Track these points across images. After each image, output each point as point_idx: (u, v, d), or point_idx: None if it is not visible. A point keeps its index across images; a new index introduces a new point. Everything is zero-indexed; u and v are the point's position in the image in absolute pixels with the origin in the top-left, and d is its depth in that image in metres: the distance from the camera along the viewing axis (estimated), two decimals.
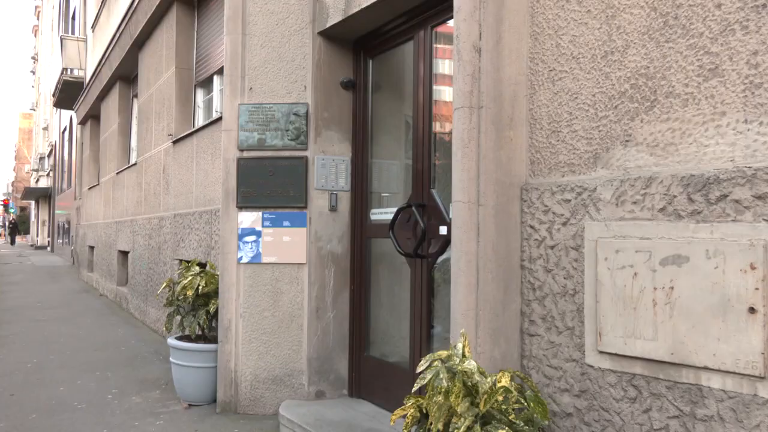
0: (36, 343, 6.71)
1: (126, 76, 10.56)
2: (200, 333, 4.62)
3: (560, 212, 2.50)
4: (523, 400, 2.25)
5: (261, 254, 4.17)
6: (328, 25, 4.04)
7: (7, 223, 48.23)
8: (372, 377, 4.04)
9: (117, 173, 10.35)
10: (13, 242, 39.11)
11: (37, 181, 36.78)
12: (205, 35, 6.64)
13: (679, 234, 2.07)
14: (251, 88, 4.23)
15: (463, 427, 2.07)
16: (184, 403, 4.44)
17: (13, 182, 69.11)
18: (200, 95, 6.91)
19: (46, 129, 32.52)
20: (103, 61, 10.97)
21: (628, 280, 2.21)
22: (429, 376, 2.22)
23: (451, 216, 2.75)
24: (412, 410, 2.33)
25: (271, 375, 4.16)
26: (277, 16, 4.23)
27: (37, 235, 36.53)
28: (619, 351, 2.24)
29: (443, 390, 2.17)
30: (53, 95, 18.51)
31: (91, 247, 13.15)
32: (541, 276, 2.58)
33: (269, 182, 4.16)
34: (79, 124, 15.71)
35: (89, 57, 14.71)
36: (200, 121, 6.78)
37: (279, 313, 4.17)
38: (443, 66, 3.53)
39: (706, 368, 1.99)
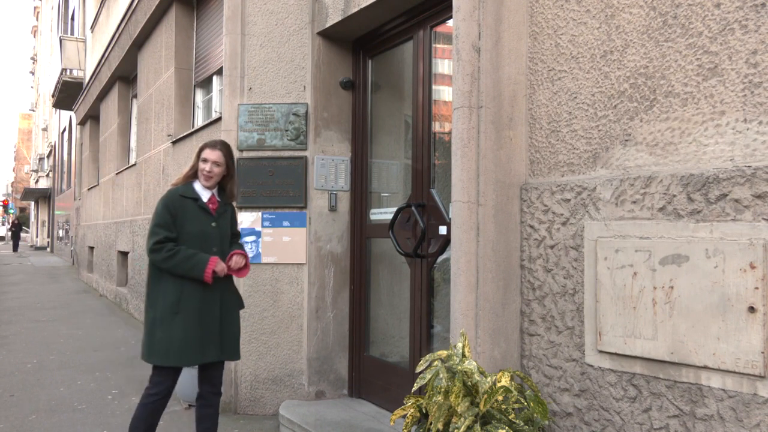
0: (36, 343, 6.71)
1: (125, 76, 10.55)
2: None
3: (560, 212, 2.50)
4: (523, 400, 2.25)
5: (261, 254, 4.17)
6: (328, 25, 4.04)
7: (8, 225, 41.53)
8: (372, 377, 4.04)
9: (116, 174, 10.35)
10: (16, 247, 30.80)
11: (37, 181, 36.75)
12: (205, 35, 6.64)
13: (679, 233, 2.07)
14: (251, 89, 4.23)
15: (463, 427, 2.07)
16: (184, 403, 4.44)
17: (12, 183, 69.11)
18: (199, 95, 6.91)
19: (45, 130, 32.49)
20: (103, 61, 10.97)
21: (627, 279, 2.21)
22: (429, 376, 2.22)
23: (450, 216, 2.75)
24: (412, 410, 2.33)
25: (271, 375, 4.16)
26: (276, 16, 4.23)
27: (37, 236, 36.45)
28: (619, 350, 2.24)
29: (443, 390, 2.17)
30: (53, 96, 18.50)
31: (91, 248, 13.14)
32: (540, 276, 2.58)
33: (269, 182, 4.16)
34: (79, 124, 15.69)
35: (88, 57, 14.71)
36: (200, 121, 6.78)
37: (279, 313, 4.17)
38: (443, 66, 3.53)
39: (705, 367, 1.99)
